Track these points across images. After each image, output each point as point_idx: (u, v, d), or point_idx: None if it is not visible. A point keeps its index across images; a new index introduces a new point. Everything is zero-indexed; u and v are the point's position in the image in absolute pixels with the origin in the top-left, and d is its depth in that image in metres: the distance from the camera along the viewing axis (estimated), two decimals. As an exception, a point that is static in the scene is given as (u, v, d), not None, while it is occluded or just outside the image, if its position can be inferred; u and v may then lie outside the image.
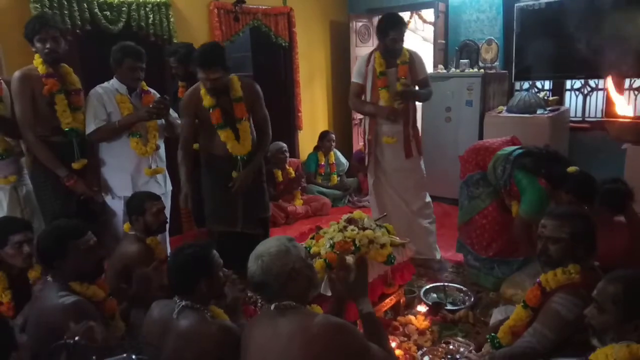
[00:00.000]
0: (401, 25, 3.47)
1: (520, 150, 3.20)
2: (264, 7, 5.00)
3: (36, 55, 2.75)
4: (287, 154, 5.17)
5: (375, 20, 6.03)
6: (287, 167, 5.18)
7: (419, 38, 7.76)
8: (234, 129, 3.01)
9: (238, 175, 3.05)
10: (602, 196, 2.70)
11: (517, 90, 5.29)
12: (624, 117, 4.30)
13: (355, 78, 3.67)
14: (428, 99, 3.79)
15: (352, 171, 5.81)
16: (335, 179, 5.63)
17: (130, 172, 3.02)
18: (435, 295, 3.17)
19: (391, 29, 3.42)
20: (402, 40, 3.51)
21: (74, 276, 1.93)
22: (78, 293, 1.89)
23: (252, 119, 3.15)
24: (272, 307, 1.60)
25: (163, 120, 3.11)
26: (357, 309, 1.84)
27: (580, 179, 2.78)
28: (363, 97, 3.69)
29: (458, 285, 3.25)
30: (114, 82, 2.99)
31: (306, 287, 1.68)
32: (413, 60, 3.58)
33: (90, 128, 2.90)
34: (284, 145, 5.15)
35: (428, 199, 3.80)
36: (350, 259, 2.55)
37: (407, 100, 3.57)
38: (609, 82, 4.54)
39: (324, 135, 5.59)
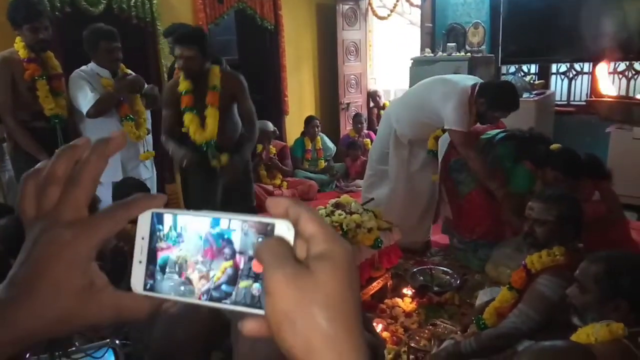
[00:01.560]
0: (515, 110, 3.14)
1: (503, 134, 3.24)
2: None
3: (17, 39, 2.68)
4: (271, 133, 5.09)
5: (363, 3, 6.00)
6: (272, 146, 5.16)
7: (406, 21, 7.72)
8: (202, 116, 2.93)
9: (218, 163, 2.96)
10: (584, 167, 2.81)
11: (504, 74, 5.31)
12: (613, 96, 4.33)
13: (463, 126, 3.08)
14: None
15: (340, 156, 5.80)
16: (322, 164, 5.61)
17: (121, 157, 2.97)
18: (421, 278, 3.20)
19: (503, 111, 3.11)
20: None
21: None
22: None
23: (237, 111, 3.08)
24: None
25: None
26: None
27: (564, 155, 2.90)
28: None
29: (444, 268, 3.27)
30: (93, 67, 2.92)
31: None
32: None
33: (87, 104, 2.79)
34: (269, 125, 5.07)
35: None
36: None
37: None
38: (600, 66, 4.57)
39: (308, 121, 5.56)
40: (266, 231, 0.38)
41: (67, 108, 2.91)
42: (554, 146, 3.00)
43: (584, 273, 1.62)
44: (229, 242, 0.39)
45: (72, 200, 0.41)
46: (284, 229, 0.38)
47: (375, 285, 2.87)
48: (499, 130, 3.35)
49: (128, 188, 2.66)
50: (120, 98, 2.92)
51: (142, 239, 0.42)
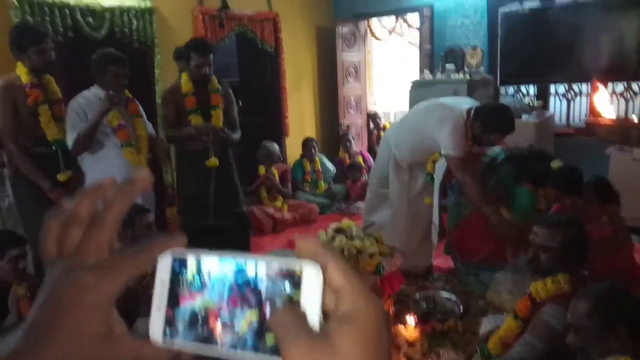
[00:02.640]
0: (511, 133, 3.13)
1: (503, 156, 3.23)
2: (249, 13, 4.97)
3: (19, 64, 2.68)
4: (271, 152, 5.10)
5: (362, 25, 6.06)
6: (273, 168, 5.16)
7: (405, 41, 7.79)
8: (207, 116, 3.18)
9: (213, 163, 3.20)
10: (590, 186, 2.80)
11: (502, 95, 5.33)
12: (610, 119, 4.34)
13: (459, 152, 3.08)
14: None
15: (340, 178, 5.79)
16: (322, 186, 5.59)
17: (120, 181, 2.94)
18: (424, 304, 3.15)
19: (499, 134, 3.09)
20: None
21: None
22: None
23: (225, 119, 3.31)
24: None
25: (152, 130, 3.13)
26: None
27: (564, 173, 2.91)
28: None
29: (447, 294, 3.23)
30: (96, 91, 2.91)
31: None
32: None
33: (71, 144, 2.80)
34: (269, 143, 5.09)
35: None
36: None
37: None
38: (599, 87, 4.59)
39: (305, 143, 5.56)
40: (294, 276, 0.36)
41: None
42: (554, 164, 3.01)
43: (575, 314, 1.60)
44: (255, 289, 0.36)
45: (94, 242, 0.39)
46: (312, 274, 0.35)
47: (377, 312, 2.82)
48: (499, 150, 3.35)
49: (128, 213, 2.64)
50: (111, 122, 2.89)
51: (162, 283, 0.39)
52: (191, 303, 0.38)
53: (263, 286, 0.36)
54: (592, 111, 4.86)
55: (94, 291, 0.38)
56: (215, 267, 0.38)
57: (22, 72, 2.68)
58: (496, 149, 3.36)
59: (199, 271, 0.39)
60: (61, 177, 2.81)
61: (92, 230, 0.40)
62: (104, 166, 2.91)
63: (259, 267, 0.37)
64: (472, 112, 3.11)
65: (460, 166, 3.11)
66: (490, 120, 3.06)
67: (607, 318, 1.53)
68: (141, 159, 3.01)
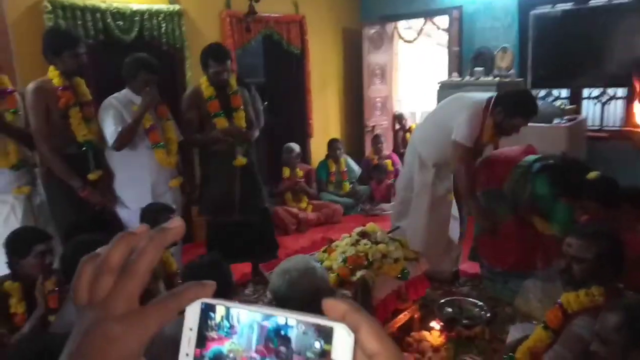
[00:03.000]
0: (533, 117, 3.11)
1: (537, 165, 3.13)
2: (276, 15, 4.98)
3: (51, 68, 2.74)
4: (295, 154, 5.13)
5: (389, 27, 6.01)
6: (297, 169, 5.17)
7: (433, 42, 7.70)
8: (229, 118, 3.27)
9: (239, 162, 3.29)
10: (625, 195, 2.69)
11: (533, 98, 5.21)
12: None
13: (466, 141, 3.08)
14: None
15: (364, 179, 5.76)
16: (347, 186, 5.58)
17: (151, 183, 3.03)
18: (450, 309, 3.09)
19: (522, 117, 3.04)
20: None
21: None
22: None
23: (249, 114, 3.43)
24: None
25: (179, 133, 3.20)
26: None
27: (601, 185, 2.78)
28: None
29: (474, 300, 3.17)
30: (127, 94, 2.98)
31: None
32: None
33: (111, 137, 2.87)
34: (294, 145, 5.13)
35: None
36: (362, 273, 2.51)
37: None
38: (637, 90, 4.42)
39: (330, 144, 5.56)
40: (325, 334, 0.35)
41: (98, 134, 2.96)
42: (591, 175, 2.87)
43: (604, 325, 1.54)
44: (286, 340, 0.36)
45: (124, 292, 0.39)
46: (343, 335, 0.34)
47: (402, 318, 2.79)
48: (533, 158, 3.24)
49: (155, 213, 2.68)
50: (144, 124, 2.96)
51: (190, 330, 0.39)
52: (220, 348, 0.38)
53: (293, 339, 0.36)
54: (629, 115, 4.70)
55: (121, 342, 0.37)
56: (245, 316, 0.37)
57: (53, 75, 2.74)
58: (529, 158, 3.25)
59: (228, 316, 0.38)
60: (92, 176, 2.87)
61: (123, 279, 0.40)
62: (135, 167, 2.98)
63: (289, 320, 0.36)
64: (493, 100, 3.07)
65: (462, 155, 3.13)
66: (512, 103, 3.02)
67: (637, 334, 1.47)
68: (171, 160, 3.07)
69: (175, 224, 0.43)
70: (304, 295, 1.59)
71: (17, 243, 2.18)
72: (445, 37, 6.21)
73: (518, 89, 3.37)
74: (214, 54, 3.17)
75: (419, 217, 3.52)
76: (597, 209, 2.74)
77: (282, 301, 1.62)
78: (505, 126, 3.07)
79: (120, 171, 3.01)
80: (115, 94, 2.99)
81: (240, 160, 3.30)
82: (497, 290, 3.36)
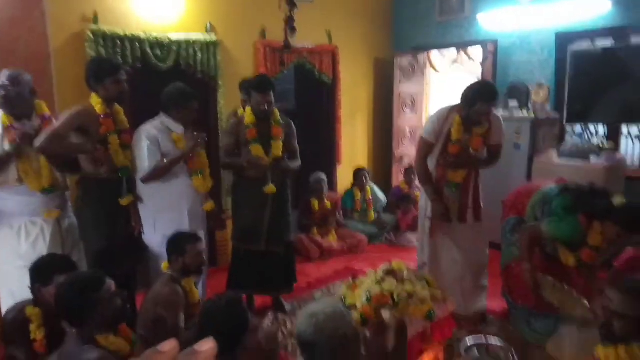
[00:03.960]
0: (494, 101, 3.20)
1: (557, 188, 3.04)
2: (309, 46, 5.04)
3: (93, 95, 2.83)
4: (325, 184, 5.14)
5: (421, 57, 6.01)
6: (325, 199, 5.13)
7: (464, 71, 7.65)
8: (266, 147, 3.30)
9: (271, 189, 3.30)
10: None
11: (569, 133, 5.08)
12: None
13: (426, 134, 3.33)
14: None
15: (391, 208, 5.69)
16: (372, 215, 5.52)
17: (187, 209, 3.09)
18: (477, 352, 2.98)
19: (480, 100, 3.11)
20: (489, 114, 3.23)
21: (99, 328, 1.89)
22: (103, 347, 1.85)
23: (286, 149, 3.42)
24: None
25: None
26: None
27: (629, 210, 2.68)
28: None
29: (501, 342, 3.04)
30: (165, 121, 3.05)
31: (354, 359, 1.60)
32: (491, 126, 3.30)
33: (142, 170, 2.95)
34: (323, 175, 5.15)
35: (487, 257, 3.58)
36: (386, 313, 2.45)
37: None
38: None
39: (357, 172, 5.55)
40: None
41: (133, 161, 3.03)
42: (617, 200, 2.77)
43: None
44: None
45: None
46: None
47: (426, 359, 2.70)
48: (554, 185, 3.16)
49: (183, 242, 2.70)
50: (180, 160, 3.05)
51: None
52: None
53: None
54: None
55: None
56: None
57: (96, 102, 2.82)
58: (551, 186, 3.17)
59: None
60: (124, 201, 2.93)
61: None
62: (173, 193, 3.04)
63: None
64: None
65: (420, 147, 3.37)
66: (469, 93, 3.13)
67: None
68: (208, 185, 3.18)
69: (207, 347, 0.43)
70: (331, 341, 1.54)
71: (41, 270, 2.20)
72: (476, 66, 6.16)
73: (478, 80, 3.44)
74: (257, 85, 3.26)
75: (425, 242, 3.50)
76: (620, 234, 2.66)
77: (308, 345, 1.59)
78: (472, 116, 3.16)
79: (156, 197, 3.05)
80: (152, 122, 3.05)
81: (271, 187, 3.31)
82: (525, 332, 3.23)
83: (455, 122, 3.22)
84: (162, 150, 3.00)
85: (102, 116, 2.80)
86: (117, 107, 2.95)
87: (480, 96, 3.10)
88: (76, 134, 2.77)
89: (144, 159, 2.94)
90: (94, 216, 2.89)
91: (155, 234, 3.05)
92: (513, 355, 2.90)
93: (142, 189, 3.04)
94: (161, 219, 3.05)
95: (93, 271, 2.03)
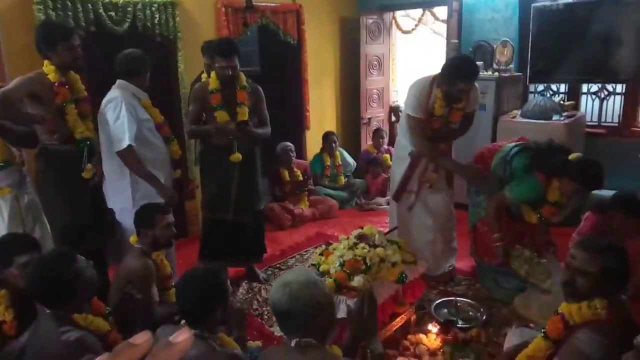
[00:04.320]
0: (473, 79, 3.19)
1: (517, 148, 3.12)
2: (272, 5, 4.86)
3: (46, 62, 2.64)
4: (293, 154, 5.09)
5: (387, 17, 5.91)
6: (295, 168, 5.09)
7: (430, 31, 7.60)
8: (232, 113, 3.19)
9: (236, 158, 3.22)
10: (619, 202, 2.69)
11: (532, 93, 5.16)
12: None
13: (414, 112, 3.23)
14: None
15: (360, 172, 5.71)
16: (342, 180, 5.53)
17: (164, 177, 3.04)
18: (446, 310, 3.09)
19: (461, 80, 3.09)
20: (469, 90, 3.21)
21: (76, 306, 1.84)
22: (82, 327, 1.80)
23: (255, 116, 3.34)
24: (293, 343, 1.55)
25: None
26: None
27: (583, 165, 2.80)
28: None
29: (469, 300, 3.16)
30: (130, 87, 2.93)
31: (328, 326, 1.63)
32: (469, 96, 3.28)
33: (125, 140, 2.81)
34: (290, 144, 5.09)
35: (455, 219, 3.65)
36: (360, 279, 2.48)
37: None
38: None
39: (325, 137, 5.50)
40: None
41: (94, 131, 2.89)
42: (573, 155, 2.87)
43: None
44: None
45: None
46: None
47: (399, 321, 2.78)
48: (514, 144, 3.23)
49: (152, 213, 2.63)
50: (156, 119, 3.04)
51: None
52: None
53: None
54: (627, 112, 4.68)
55: None
56: None
57: (49, 70, 2.63)
58: (510, 145, 3.25)
59: None
60: (86, 174, 2.77)
61: None
62: (151, 162, 2.96)
63: None
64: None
65: (412, 126, 3.24)
66: (450, 70, 3.11)
67: None
68: (179, 152, 3.24)
69: (183, 337, 0.40)
70: (305, 309, 1.55)
71: (0, 252, 2.11)
72: (441, 25, 6.11)
73: (456, 55, 3.40)
74: (220, 50, 3.14)
75: (401, 212, 3.52)
76: (576, 190, 2.80)
77: (282, 314, 1.59)
78: (453, 93, 3.12)
79: (126, 172, 2.94)
80: (119, 89, 2.91)
81: (236, 156, 3.23)
82: (492, 290, 3.36)
83: (438, 98, 3.17)
84: (139, 117, 2.90)
85: (56, 84, 2.62)
86: (73, 74, 2.76)
87: (462, 76, 3.07)
88: (31, 103, 2.61)
89: (125, 129, 2.81)
90: (56, 190, 2.76)
91: (133, 207, 2.91)
92: (482, 313, 3.03)
93: (117, 162, 2.91)
94: (140, 190, 2.96)
95: (60, 249, 1.94)
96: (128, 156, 2.86)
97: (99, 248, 2.91)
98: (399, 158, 3.55)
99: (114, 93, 2.90)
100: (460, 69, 3.10)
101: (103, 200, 2.97)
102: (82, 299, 1.85)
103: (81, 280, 1.82)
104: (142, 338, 0.40)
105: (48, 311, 1.82)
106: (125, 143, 2.81)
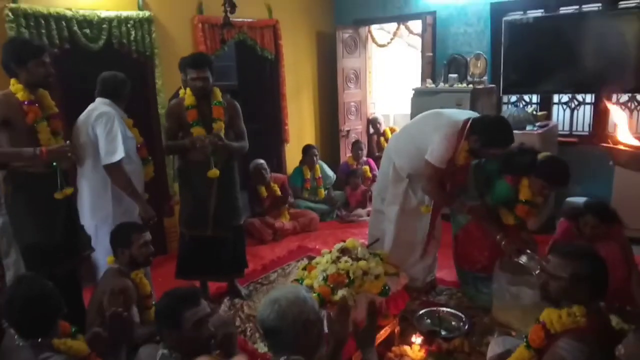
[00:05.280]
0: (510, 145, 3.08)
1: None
2: (249, 20, 4.89)
3: (13, 81, 2.56)
4: (266, 170, 5.00)
5: (362, 31, 6.00)
6: (272, 183, 5.06)
7: (405, 44, 7.72)
8: (208, 129, 3.19)
9: (213, 174, 3.20)
10: (592, 209, 2.79)
11: (505, 103, 5.28)
12: (631, 145, 4.14)
13: (439, 163, 3.06)
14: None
15: (340, 184, 5.73)
16: (322, 193, 5.54)
17: (141, 194, 3.02)
18: (429, 321, 3.11)
19: (499, 147, 2.99)
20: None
21: (53, 333, 1.79)
22: (61, 351, 1.75)
23: (232, 130, 3.35)
24: None
25: None
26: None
27: (548, 163, 3.00)
28: None
29: (452, 310, 3.19)
30: (113, 106, 2.92)
31: (316, 343, 1.62)
32: None
33: (117, 154, 2.80)
34: (262, 161, 5.01)
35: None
36: (344, 292, 2.48)
37: None
38: (610, 104, 4.54)
39: (306, 150, 5.50)
40: None
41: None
42: (542, 155, 3.08)
43: None
44: None
45: None
46: None
47: (383, 333, 2.78)
48: None
49: (128, 232, 2.58)
50: (137, 139, 3.06)
51: None
52: None
53: None
54: (597, 121, 4.83)
55: None
56: None
57: (17, 89, 2.54)
58: None
59: None
60: (59, 195, 2.64)
61: None
62: (136, 177, 2.98)
63: None
64: (469, 124, 3.05)
65: (431, 174, 3.13)
66: (488, 134, 3.00)
67: None
68: (152, 174, 3.26)
69: None
70: (294, 326, 1.54)
71: None
72: (415, 39, 6.23)
73: (494, 117, 3.34)
74: (191, 62, 3.17)
75: (388, 228, 3.52)
76: (544, 187, 2.99)
77: (271, 331, 1.57)
78: (483, 153, 3.08)
79: (108, 187, 2.91)
80: (104, 106, 2.89)
81: (214, 172, 3.20)
82: (472, 296, 3.40)
83: (464, 150, 3.07)
84: (126, 134, 2.90)
85: (25, 103, 2.54)
86: (42, 91, 2.68)
87: (500, 142, 2.99)
88: (1, 130, 2.53)
89: (118, 143, 2.80)
90: (27, 212, 2.64)
91: (113, 223, 2.84)
92: (464, 322, 3.05)
93: (102, 176, 2.88)
94: (121, 205, 2.93)
95: (32, 278, 1.88)
96: (117, 170, 2.83)
97: (72, 269, 2.83)
98: (396, 180, 3.48)
99: (103, 108, 2.87)
100: (501, 137, 2.99)
101: (76, 220, 2.88)
102: (52, 323, 1.81)
103: (56, 306, 1.79)
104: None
105: (22, 344, 1.76)
106: (118, 157, 2.79)
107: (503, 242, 3.04)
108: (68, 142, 2.70)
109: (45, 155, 2.53)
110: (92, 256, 2.93)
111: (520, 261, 2.86)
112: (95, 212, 2.93)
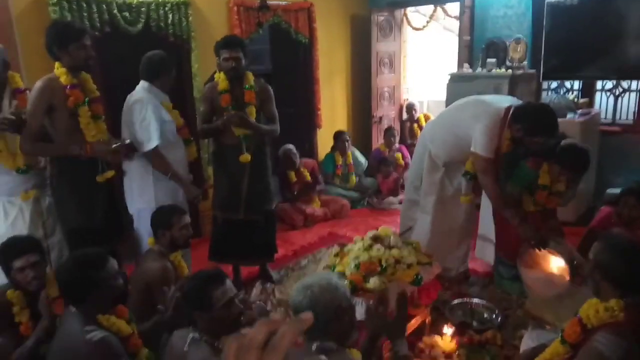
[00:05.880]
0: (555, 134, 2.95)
1: None
2: (284, 3, 4.85)
3: (57, 64, 2.63)
4: (296, 155, 5.00)
5: (398, 14, 5.88)
6: (302, 168, 5.08)
7: (441, 27, 7.55)
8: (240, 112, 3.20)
9: (245, 159, 3.23)
10: (634, 190, 2.87)
11: (545, 90, 5.11)
12: None
13: (486, 152, 2.93)
14: None
15: (371, 171, 5.68)
16: (353, 179, 5.51)
17: (184, 174, 3.08)
18: (461, 312, 3.08)
19: (543, 136, 2.85)
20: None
21: (100, 308, 1.87)
22: (105, 328, 1.83)
23: (264, 114, 3.37)
24: (313, 347, 1.55)
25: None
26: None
27: (568, 150, 2.98)
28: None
29: (484, 302, 3.15)
30: (153, 89, 2.95)
31: (348, 329, 1.64)
32: None
33: (150, 142, 2.85)
34: (292, 146, 5.02)
35: None
36: (376, 280, 2.49)
37: None
38: None
39: (337, 136, 5.45)
40: None
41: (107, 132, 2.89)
42: (565, 141, 3.04)
43: None
44: None
45: None
46: None
47: (414, 323, 2.77)
48: None
49: (169, 215, 2.64)
50: (177, 121, 3.09)
51: None
52: None
53: None
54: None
55: None
56: None
57: (60, 73, 2.61)
58: None
59: None
60: (101, 178, 2.75)
61: (268, 354, 0.49)
62: (172, 160, 2.99)
63: None
64: (511, 112, 2.95)
65: (485, 167, 2.99)
66: (532, 122, 2.86)
67: None
68: (195, 154, 3.33)
69: (307, 316, 0.55)
70: (326, 313, 1.56)
71: (2, 257, 2.14)
72: (452, 21, 6.06)
73: (537, 105, 3.19)
74: (224, 42, 3.17)
75: (425, 217, 3.48)
76: (562, 173, 2.98)
77: None
78: (526, 143, 2.94)
79: (150, 171, 2.96)
80: (143, 91, 2.92)
81: (245, 156, 3.24)
82: (508, 286, 3.35)
83: (506, 139, 2.97)
84: (163, 118, 2.92)
85: (68, 87, 2.61)
86: (84, 74, 2.75)
87: (544, 131, 2.85)
88: (47, 116, 2.62)
89: (151, 130, 2.84)
90: (70, 195, 2.75)
91: (156, 206, 2.89)
92: (497, 315, 3.02)
93: (144, 161, 2.93)
94: (162, 189, 2.97)
95: (96, 249, 1.97)
96: (155, 157, 2.89)
97: (112, 250, 2.92)
98: (431, 169, 3.41)
99: (139, 94, 2.91)
100: (545, 126, 2.86)
101: (118, 202, 2.97)
102: (107, 300, 1.88)
103: (108, 281, 1.86)
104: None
105: (73, 310, 1.84)
106: (153, 144, 2.85)
107: (523, 228, 2.96)
108: (116, 141, 2.79)
109: (89, 153, 2.65)
110: (135, 236, 3.01)
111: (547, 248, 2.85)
112: (141, 196, 3.00)
